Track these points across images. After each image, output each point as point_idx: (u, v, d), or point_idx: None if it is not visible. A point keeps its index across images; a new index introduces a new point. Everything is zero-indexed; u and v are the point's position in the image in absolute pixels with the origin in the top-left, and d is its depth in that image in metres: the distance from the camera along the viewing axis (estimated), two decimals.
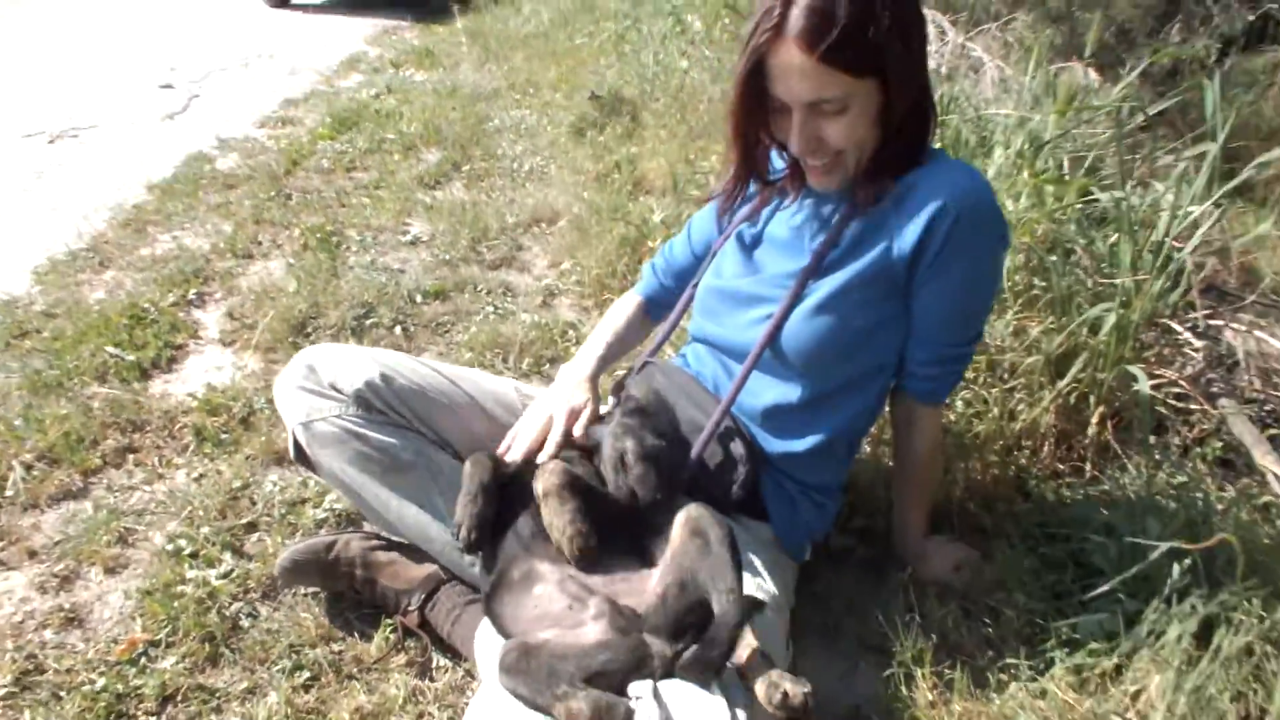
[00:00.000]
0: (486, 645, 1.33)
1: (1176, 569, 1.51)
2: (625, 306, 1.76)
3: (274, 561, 1.60)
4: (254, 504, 1.80)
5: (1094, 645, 1.52)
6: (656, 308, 1.77)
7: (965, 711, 1.47)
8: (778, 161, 1.52)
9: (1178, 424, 2.05)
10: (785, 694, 1.03)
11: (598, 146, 3.83)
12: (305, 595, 1.57)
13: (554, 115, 4.35)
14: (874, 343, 1.44)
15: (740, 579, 1.17)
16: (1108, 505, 1.82)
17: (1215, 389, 2.08)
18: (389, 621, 1.50)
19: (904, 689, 1.51)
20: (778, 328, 1.41)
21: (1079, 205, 2.23)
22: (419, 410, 1.52)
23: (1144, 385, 1.78)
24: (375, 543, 1.56)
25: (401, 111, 4.39)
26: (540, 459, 1.36)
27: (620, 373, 1.76)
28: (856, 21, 1.19)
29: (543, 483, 1.27)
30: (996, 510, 1.90)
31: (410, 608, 1.49)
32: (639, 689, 1.10)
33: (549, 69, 5.17)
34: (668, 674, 1.11)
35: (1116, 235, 2.08)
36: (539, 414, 1.45)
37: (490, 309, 2.64)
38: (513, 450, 1.41)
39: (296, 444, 1.50)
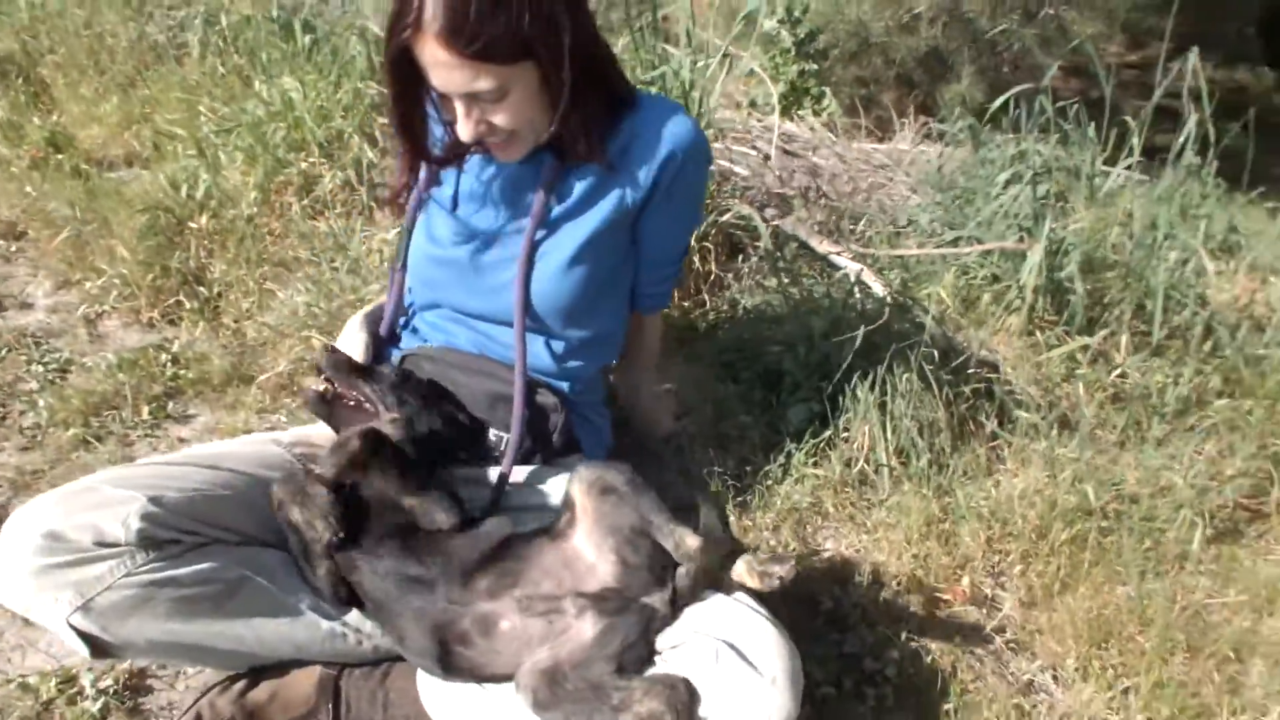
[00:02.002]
0: (445, 701, 1.25)
1: (849, 350, 1.99)
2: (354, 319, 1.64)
3: None
4: None
5: (812, 428, 1.95)
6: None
7: (770, 521, 1.81)
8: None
9: (747, 241, 2.54)
10: (780, 577, 1.20)
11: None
12: None
13: None
14: (620, 279, 1.56)
15: (664, 507, 1.28)
16: (758, 321, 2.25)
17: (760, 203, 2.60)
18: None
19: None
20: (526, 292, 1.43)
21: None
22: (207, 516, 1.25)
23: (762, 226, 2.19)
24: (240, 684, 1.28)
25: None
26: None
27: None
28: (492, 12, 1.16)
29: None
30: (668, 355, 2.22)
31: None
32: (673, 637, 1.18)
33: None
34: (676, 612, 1.21)
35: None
36: None
37: (38, 368, 2.07)
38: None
39: (83, 636, 1.14)
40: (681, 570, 1.21)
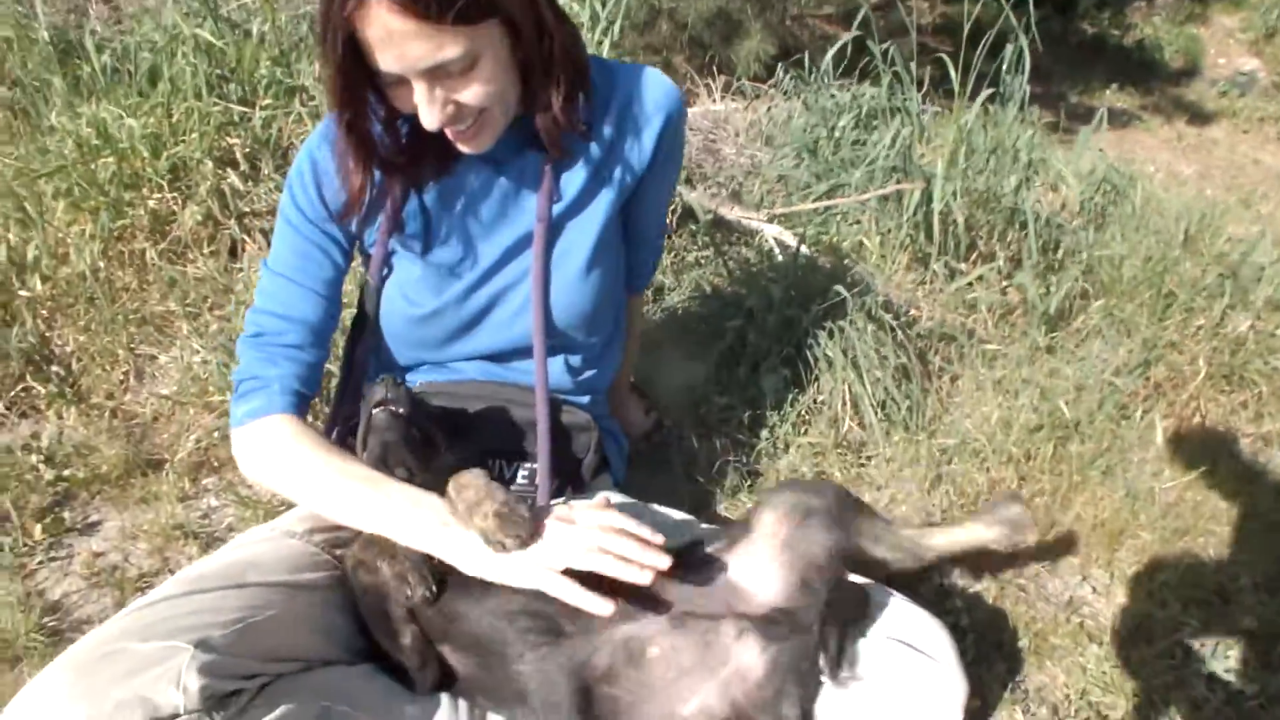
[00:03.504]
0: None
1: (806, 314, 1.97)
2: (289, 440, 1.16)
3: None
4: None
5: (791, 395, 1.92)
6: (307, 406, 1.24)
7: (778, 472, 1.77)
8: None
9: None
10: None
11: None
12: None
13: None
14: (621, 265, 1.41)
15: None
16: (703, 298, 2.18)
17: None
18: None
19: (740, 499, 1.74)
20: (545, 311, 1.26)
21: None
22: (261, 649, 1.01)
23: (697, 204, 2.10)
24: None
25: None
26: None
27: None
28: None
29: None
30: None
31: None
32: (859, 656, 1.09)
33: None
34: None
35: None
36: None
37: None
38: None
39: None
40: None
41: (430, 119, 1.05)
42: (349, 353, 1.34)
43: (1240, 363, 2.40)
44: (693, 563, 1.13)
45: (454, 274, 1.25)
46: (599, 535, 1.00)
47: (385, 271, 1.27)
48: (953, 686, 1.06)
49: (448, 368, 1.33)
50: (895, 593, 1.16)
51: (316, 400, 1.33)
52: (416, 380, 1.33)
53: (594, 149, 1.25)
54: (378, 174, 1.18)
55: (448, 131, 1.11)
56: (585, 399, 1.41)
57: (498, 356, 1.33)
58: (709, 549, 1.15)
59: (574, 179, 1.25)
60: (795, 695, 1.03)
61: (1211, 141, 6.40)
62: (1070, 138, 4.09)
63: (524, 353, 1.30)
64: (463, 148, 1.14)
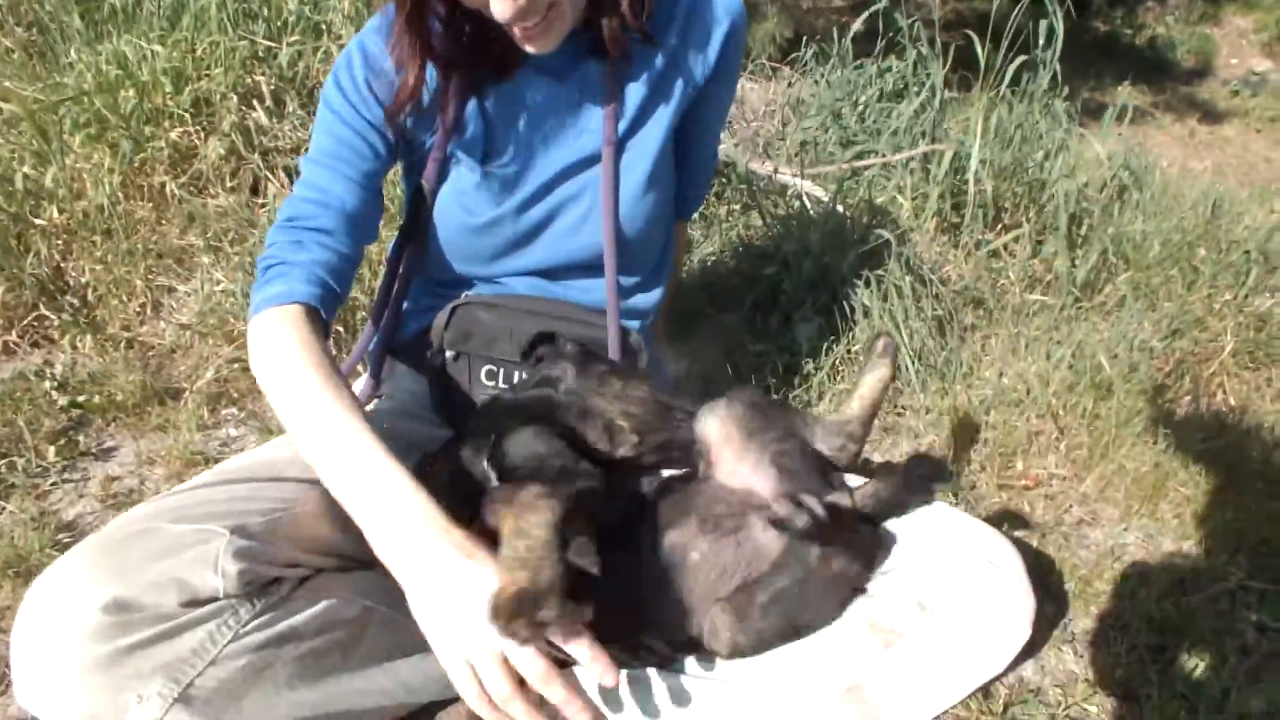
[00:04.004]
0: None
1: (844, 260, 1.92)
2: (295, 344, 0.95)
3: None
4: None
5: (825, 343, 1.88)
6: (333, 303, 1.08)
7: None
8: None
9: None
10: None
11: None
12: None
13: None
14: (673, 187, 1.34)
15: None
16: (737, 248, 2.14)
17: None
18: None
19: None
20: (616, 222, 1.20)
21: None
22: (294, 536, 0.97)
23: (739, 157, 2.05)
24: None
25: None
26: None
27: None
28: None
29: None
30: None
31: None
32: (923, 561, 1.04)
33: None
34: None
35: None
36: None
37: None
38: None
39: None
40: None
41: (503, 9, 1.00)
42: (393, 262, 1.29)
43: (1265, 339, 2.36)
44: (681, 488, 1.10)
45: (513, 184, 1.19)
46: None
47: (441, 179, 1.21)
48: (1024, 597, 1.01)
49: (498, 282, 1.28)
50: (954, 509, 1.11)
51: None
52: (464, 294, 1.28)
53: (658, 60, 1.18)
54: (434, 74, 1.13)
55: (515, 29, 1.06)
56: (635, 323, 1.36)
57: (550, 273, 1.27)
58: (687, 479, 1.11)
59: (636, 92, 1.19)
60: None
61: (1224, 139, 6.38)
62: (1083, 132, 4.07)
63: (578, 269, 1.25)
64: (527, 47, 1.08)
